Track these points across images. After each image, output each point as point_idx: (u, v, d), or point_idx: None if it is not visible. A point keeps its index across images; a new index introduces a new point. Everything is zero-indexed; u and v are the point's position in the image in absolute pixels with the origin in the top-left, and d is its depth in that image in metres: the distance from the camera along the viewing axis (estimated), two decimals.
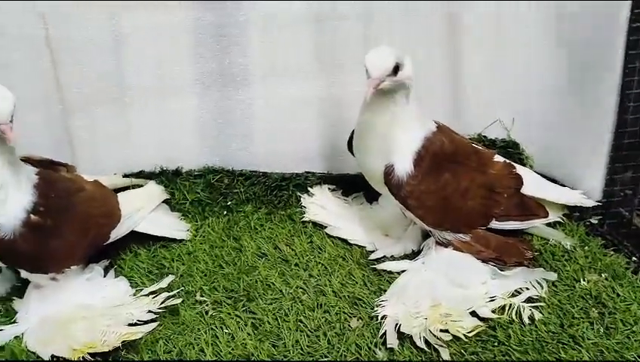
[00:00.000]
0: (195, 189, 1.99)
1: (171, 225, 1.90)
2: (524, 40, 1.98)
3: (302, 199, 1.98)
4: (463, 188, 1.67)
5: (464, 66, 2.02)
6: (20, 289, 1.65)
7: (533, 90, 2.03)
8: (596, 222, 1.96)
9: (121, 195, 1.79)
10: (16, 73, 1.82)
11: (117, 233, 1.73)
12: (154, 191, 1.93)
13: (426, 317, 1.56)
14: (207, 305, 1.64)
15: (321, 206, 1.95)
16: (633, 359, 1.47)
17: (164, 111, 1.95)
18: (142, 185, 1.94)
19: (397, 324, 1.55)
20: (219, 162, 2.03)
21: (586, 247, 1.82)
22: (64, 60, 1.84)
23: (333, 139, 2.00)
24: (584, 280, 1.70)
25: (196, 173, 2.02)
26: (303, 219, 1.92)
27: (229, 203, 1.99)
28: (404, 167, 1.62)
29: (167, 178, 1.98)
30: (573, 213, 1.93)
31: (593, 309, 1.61)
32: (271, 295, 1.68)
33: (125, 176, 1.96)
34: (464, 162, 1.69)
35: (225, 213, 1.97)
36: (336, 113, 1.99)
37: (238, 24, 1.87)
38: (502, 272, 1.67)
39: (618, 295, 1.65)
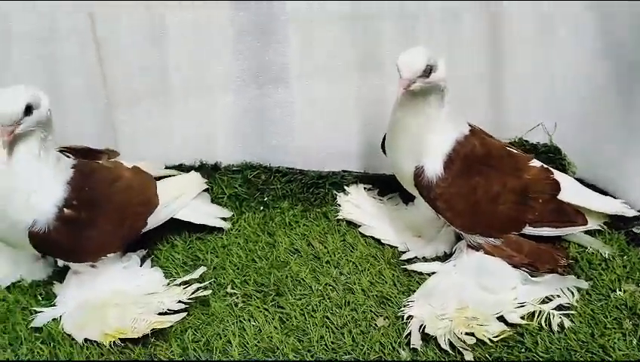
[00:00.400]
0: (232, 184, 2.02)
1: (212, 214, 1.92)
2: (570, 41, 1.95)
3: (337, 197, 1.99)
4: (494, 193, 1.65)
5: (506, 68, 2.00)
6: (61, 273, 1.72)
7: (577, 93, 1.99)
8: (639, 231, 1.91)
9: (160, 183, 1.82)
10: (65, 68, 1.89)
11: (155, 220, 1.77)
12: (195, 180, 1.94)
13: (451, 320, 1.56)
14: (237, 298, 1.68)
15: (356, 205, 1.96)
16: None
17: (204, 107, 2.00)
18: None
19: (422, 325, 1.55)
20: (257, 158, 2.07)
21: (625, 257, 1.77)
22: (110, 56, 1.90)
23: (370, 138, 2.01)
24: (620, 290, 1.65)
25: (234, 169, 2.06)
26: (338, 217, 1.94)
27: (266, 198, 2.02)
28: (434, 168, 1.62)
29: (206, 172, 2.02)
30: (616, 222, 1.88)
31: (627, 320, 1.57)
32: (300, 290, 1.70)
33: (166, 168, 2.01)
34: (497, 166, 1.67)
35: (261, 208, 2.00)
36: (374, 112, 1.99)
37: (278, 22, 1.90)
38: (533, 278, 1.64)
39: None
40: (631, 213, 1.83)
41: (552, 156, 2.04)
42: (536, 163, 1.78)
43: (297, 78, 1.97)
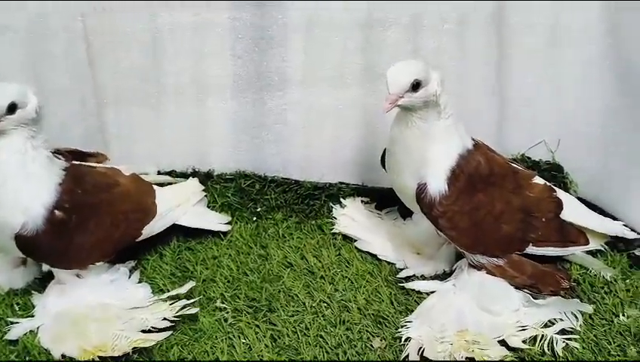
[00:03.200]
0: (225, 193, 1.96)
1: (213, 219, 1.87)
2: (578, 56, 1.91)
3: (333, 210, 1.93)
4: (498, 211, 1.60)
5: (512, 82, 1.96)
6: (42, 281, 1.65)
7: (582, 111, 1.95)
8: None
9: (160, 190, 1.77)
10: (54, 65, 1.83)
11: (151, 230, 1.71)
12: (193, 188, 1.90)
13: (451, 343, 1.50)
14: (226, 313, 1.61)
15: (353, 218, 1.90)
16: None
17: (198, 112, 1.94)
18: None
19: (421, 348, 1.49)
20: (251, 167, 2.00)
21: (628, 280, 1.72)
22: (101, 55, 1.84)
23: (369, 150, 1.95)
24: (624, 315, 1.61)
25: (227, 177, 2.00)
26: (333, 231, 1.87)
27: (259, 209, 1.95)
28: (437, 185, 1.56)
29: (199, 180, 1.96)
30: (617, 244, 1.83)
31: (632, 347, 1.52)
32: (293, 307, 1.63)
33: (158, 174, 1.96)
34: (501, 183, 1.63)
35: (254, 219, 1.93)
36: (374, 124, 1.94)
37: (278, 27, 1.85)
38: (535, 301, 1.59)
39: None
40: (631, 235, 1.79)
41: (555, 174, 2.00)
42: (539, 180, 1.74)
43: (296, 85, 1.91)
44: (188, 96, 1.92)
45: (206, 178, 1.99)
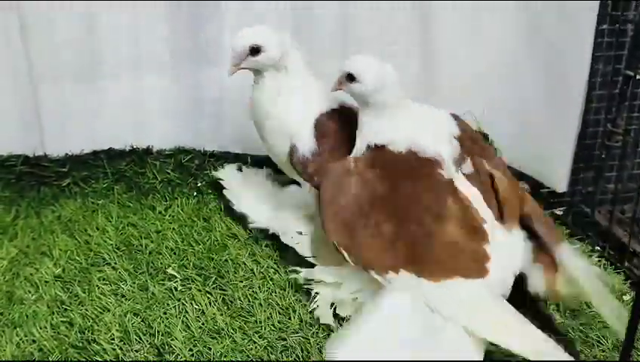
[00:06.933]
0: (165, 169, 1.97)
1: None
2: (498, 30, 2.01)
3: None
4: None
5: (437, 56, 2.04)
6: None
7: (505, 80, 2.04)
8: (561, 213, 2.01)
9: None
10: None
11: None
12: None
13: None
14: (175, 282, 1.62)
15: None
16: (596, 338, 1.49)
17: (136, 88, 1.93)
18: None
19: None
20: (190, 142, 2.01)
21: None
22: (34, 30, 1.80)
23: None
24: None
25: (167, 153, 2.00)
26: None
27: (199, 184, 1.97)
28: (306, 144, 1.60)
29: (138, 156, 1.95)
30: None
31: None
32: (242, 273, 1.66)
33: (95, 152, 1.93)
34: None
35: (195, 194, 1.95)
36: None
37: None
38: None
39: None
40: None
41: None
42: None
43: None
44: (125, 72, 1.90)
45: (145, 154, 1.98)
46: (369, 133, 1.53)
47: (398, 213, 1.45)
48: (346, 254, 1.47)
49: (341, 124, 1.62)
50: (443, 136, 1.55)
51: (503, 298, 1.40)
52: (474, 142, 1.61)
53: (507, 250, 1.45)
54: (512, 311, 1.34)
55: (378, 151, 1.51)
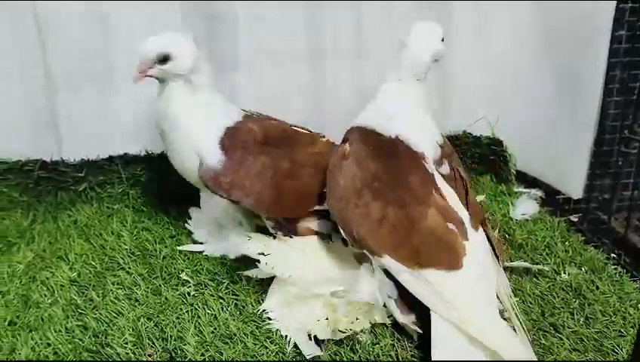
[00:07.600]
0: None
1: None
2: (513, 38, 2.01)
3: None
4: (285, 169, 1.62)
5: (451, 63, 2.03)
6: None
7: (521, 86, 2.05)
8: (576, 220, 2.00)
9: None
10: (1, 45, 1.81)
11: None
12: None
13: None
14: (189, 287, 1.63)
15: None
16: (611, 347, 1.48)
17: (151, 93, 1.91)
18: None
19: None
20: None
21: (567, 242, 1.84)
22: (50, 35, 1.82)
23: None
24: (565, 273, 1.71)
25: None
26: None
27: None
28: (215, 159, 1.57)
29: (156, 163, 1.96)
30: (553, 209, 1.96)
31: (573, 300, 1.62)
32: (254, 279, 1.66)
33: (111, 157, 1.95)
34: (281, 144, 1.65)
35: None
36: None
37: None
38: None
39: (597, 288, 1.66)
40: None
41: (495, 148, 2.10)
42: (324, 139, 1.77)
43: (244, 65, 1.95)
44: None
45: (159, 159, 1.98)
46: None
47: (387, 193, 1.46)
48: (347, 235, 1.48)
49: (249, 137, 1.60)
50: (428, 138, 1.57)
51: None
52: (449, 148, 1.64)
53: (482, 248, 1.49)
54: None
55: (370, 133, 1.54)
